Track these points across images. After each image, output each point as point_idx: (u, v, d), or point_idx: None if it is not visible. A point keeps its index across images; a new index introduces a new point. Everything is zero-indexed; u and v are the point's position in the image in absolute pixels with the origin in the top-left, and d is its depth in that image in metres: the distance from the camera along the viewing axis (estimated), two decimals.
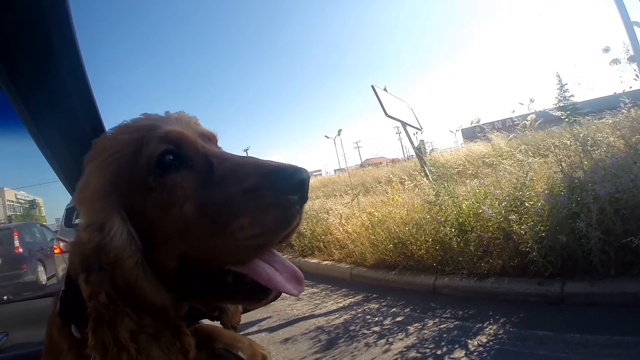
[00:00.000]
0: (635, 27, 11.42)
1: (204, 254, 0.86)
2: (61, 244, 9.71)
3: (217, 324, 1.26)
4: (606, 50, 7.05)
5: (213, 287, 0.92)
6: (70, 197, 0.98)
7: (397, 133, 48.16)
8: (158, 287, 0.87)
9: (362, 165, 38.55)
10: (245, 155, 0.95)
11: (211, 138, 1.04)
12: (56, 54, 1.13)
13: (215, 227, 0.83)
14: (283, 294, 0.91)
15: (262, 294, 0.90)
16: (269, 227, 0.82)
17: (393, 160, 32.15)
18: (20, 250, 13.20)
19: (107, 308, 0.79)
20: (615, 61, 6.47)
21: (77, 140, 1.28)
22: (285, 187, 0.82)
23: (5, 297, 2.67)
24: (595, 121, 8.18)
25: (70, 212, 10.20)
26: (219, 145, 1.05)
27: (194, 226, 0.85)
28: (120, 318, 0.80)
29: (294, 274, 0.91)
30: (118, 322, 0.79)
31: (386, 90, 10.70)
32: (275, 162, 0.87)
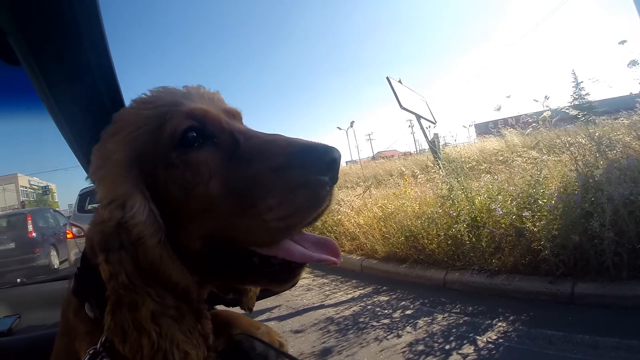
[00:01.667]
0: None
1: (230, 234, 0.83)
2: (74, 229, 9.83)
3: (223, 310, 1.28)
4: (622, 42, 6.92)
5: (238, 268, 0.89)
6: (87, 176, 0.97)
7: (409, 126, 47.67)
8: (182, 267, 0.84)
9: (374, 158, 38.29)
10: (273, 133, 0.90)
11: (235, 115, 1.00)
12: (79, 28, 1.09)
13: (242, 207, 0.81)
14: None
15: (288, 275, 0.87)
16: (298, 209, 0.79)
17: (405, 154, 31.90)
18: (34, 234, 13.49)
19: (127, 289, 0.77)
20: (633, 63, 6.35)
21: (97, 116, 1.23)
22: (315, 166, 0.79)
23: (18, 280, 2.69)
24: (610, 121, 8.10)
25: (83, 197, 10.33)
26: (245, 123, 1.00)
27: (220, 205, 0.82)
28: (141, 299, 0.77)
29: (327, 244, 0.88)
30: (139, 303, 0.77)
31: (401, 83, 10.66)
32: (305, 140, 0.83)
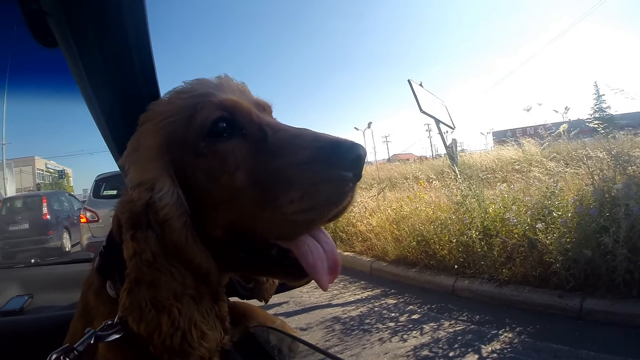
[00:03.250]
0: None
1: (251, 225, 0.85)
2: (88, 214, 9.93)
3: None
4: None
5: (256, 259, 0.91)
6: (116, 161, 0.98)
7: (427, 131, 47.34)
8: (205, 251, 0.86)
9: (389, 160, 38.21)
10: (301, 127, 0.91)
11: (266, 108, 1.02)
12: (122, 11, 1.07)
13: (265, 199, 0.82)
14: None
15: (302, 271, 0.86)
16: (320, 203, 0.80)
17: (420, 158, 31.79)
18: (48, 217, 13.90)
19: (151, 266, 0.79)
20: None
21: (132, 101, 1.21)
22: (340, 162, 0.80)
23: (32, 260, 2.71)
24: (631, 136, 8.00)
25: (99, 183, 10.46)
26: (274, 116, 1.03)
27: (243, 196, 0.84)
28: (164, 277, 0.80)
29: (334, 265, 0.87)
30: (161, 281, 0.79)
31: (422, 86, 10.65)
32: (332, 135, 0.84)
